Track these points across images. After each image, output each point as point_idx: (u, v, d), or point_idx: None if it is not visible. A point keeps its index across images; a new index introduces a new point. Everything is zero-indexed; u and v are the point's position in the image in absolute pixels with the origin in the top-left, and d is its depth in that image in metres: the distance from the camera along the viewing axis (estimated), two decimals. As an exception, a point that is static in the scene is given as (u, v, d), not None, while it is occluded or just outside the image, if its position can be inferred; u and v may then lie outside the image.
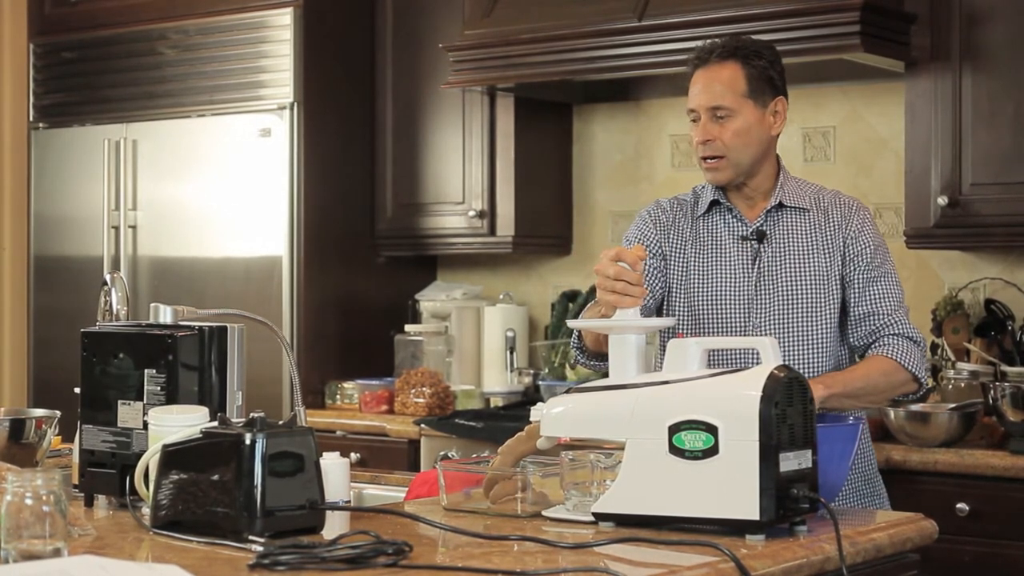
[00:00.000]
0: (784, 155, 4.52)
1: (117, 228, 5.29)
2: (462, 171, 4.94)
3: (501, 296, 5.11)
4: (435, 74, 4.91)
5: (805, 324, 2.94)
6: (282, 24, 4.93)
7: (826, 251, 2.97)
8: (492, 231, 4.89)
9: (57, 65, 5.55)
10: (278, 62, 4.94)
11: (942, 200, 3.99)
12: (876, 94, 4.47)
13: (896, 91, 4.30)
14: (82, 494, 2.62)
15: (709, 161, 2.95)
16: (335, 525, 2.34)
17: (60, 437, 3.13)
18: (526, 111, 4.91)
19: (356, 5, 5.09)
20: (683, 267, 3.02)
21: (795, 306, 2.94)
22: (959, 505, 3.64)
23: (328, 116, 4.99)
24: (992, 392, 3.74)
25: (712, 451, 2.24)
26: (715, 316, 2.97)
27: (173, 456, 2.30)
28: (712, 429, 2.24)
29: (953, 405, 3.83)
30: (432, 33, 4.95)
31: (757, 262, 2.97)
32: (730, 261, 2.99)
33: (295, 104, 4.90)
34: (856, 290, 2.96)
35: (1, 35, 5.68)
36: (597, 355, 2.93)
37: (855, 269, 2.97)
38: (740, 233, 3.01)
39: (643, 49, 4.30)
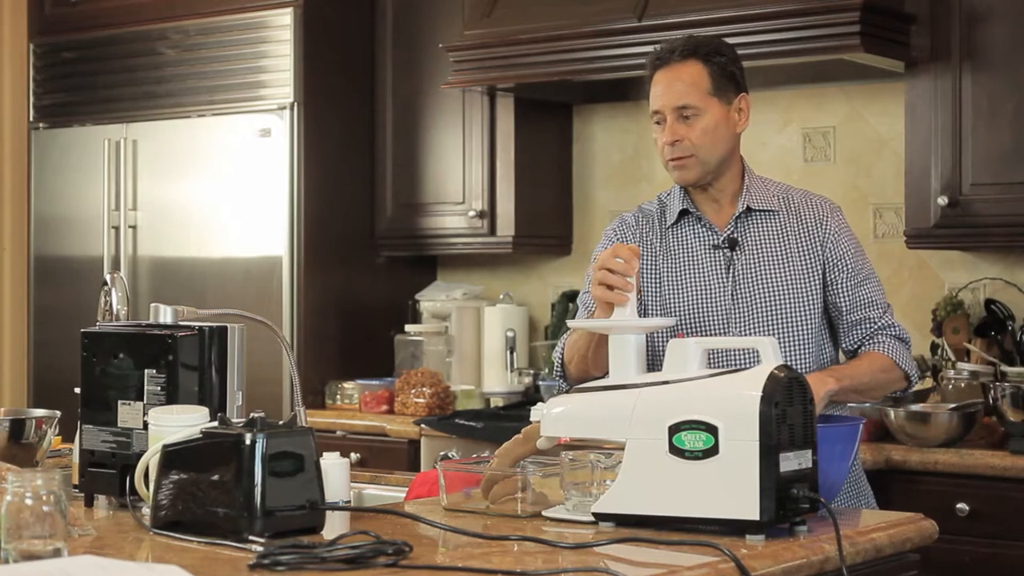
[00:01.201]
0: (784, 155, 4.56)
1: (117, 228, 5.29)
2: (462, 171, 4.94)
3: (501, 296, 5.11)
4: (435, 74, 4.91)
5: (786, 328, 2.90)
6: (282, 24, 4.93)
7: (801, 253, 2.94)
8: (492, 231, 4.89)
9: (57, 65, 5.55)
10: (278, 62, 4.94)
11: (942, 200, 3.98)
12: (876, 94, 4.47)
13: (896, 91, 4.30)
14: (82, 494, 2.62)
15: (676, 160, 2.91)
16: (335, 525, 2.34)
17: (60, 437, 3.13)
18: (526, 111, 4.91)
19: (356, 5, 5.09)
20: (656, 281, 2.98)
21: (774, 311, 2.91)
22: (959, 505, 3.64)
23: (328, 116, 4.99)
24: (992, 392, 3.74)
25: (712, 451, 2.24)
26: (693, 328, 2.92)
27: (173, 456, 2.30)
28: (712, 429, 2.24)
29: (953, 405, 3.83)
30: (432, 33, 4.95)
31: (731, 270, 2.93)
32: (704, 272, 2.95)
33: (295, 104, 4.90)
34: (845, 297, 2.94)
35: (1, 35, 5.68)
36: (580, 382, 2.88)
37: (839, 275, 2.94)
38: (712, 242, 2.96)
39: (643, 49, 4.26)
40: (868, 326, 2.95)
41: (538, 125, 4.99)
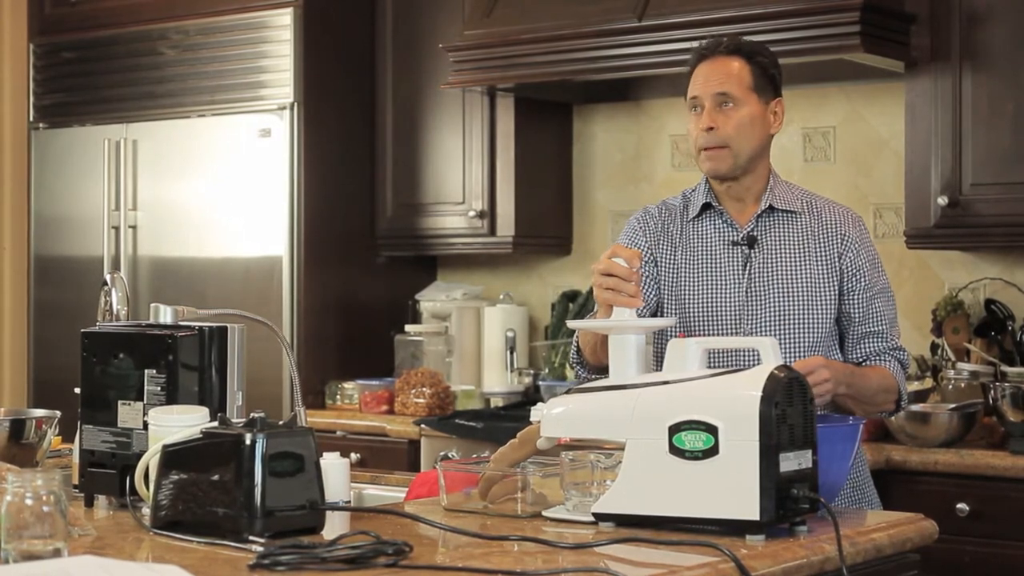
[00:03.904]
0: (784, 155, 4.56)
1: (117, 228, 5.29)
2: (462, 171, 4.94)
3: (501, 296, 5.11)
4: (435, 74, 4.91)
5: (796, 329, 2.90)
6: (282, 24, 4.93)
7: (820, 257, 2.94)
8: (492, 231, 4.89)
9: (57, 65, 5.55)
10: (278, 62, 4.94)
11: (942, 200, 3.99)
12: (876, 94, 4.47)
13: (896, 91, 4.30)
14: (82, 494, 2.62)
15: (710, 150, 2.91)
16: (335, 525, 2.34)
17: (60, 437, 3.13)
18: (526, 111, 4.91)
19: (356, 5, 5.09)
20: (674, 274, 2.98)
21: (787, 312, 2.90)
22: (959, 505, 3.64)
23: (328, 116, 4.99)
24: (992, 392, 3.74)
25: (712, 451, 2.24)
26: (706, 323, 2.93)
27: (173, 456, 2.30)
28: (712, 429, 2.24)
29: (953, 405, 3.83)
30: (432, 33, 4.95)
31: (748, 268, 2.93)
32: (720, 267, 2.95)
33: (295, 104, 4.90)
34: (859, 308, 2.94)
35: (1, 35, 5.68)
36: (598, 369, 2.88)
37: (855, 285, 2.94)
38: (730, 238, 2.96)
39: (643, 49, 4.30)
40: (878, 343, 2.95)
41: (538, 125, 4.99)
